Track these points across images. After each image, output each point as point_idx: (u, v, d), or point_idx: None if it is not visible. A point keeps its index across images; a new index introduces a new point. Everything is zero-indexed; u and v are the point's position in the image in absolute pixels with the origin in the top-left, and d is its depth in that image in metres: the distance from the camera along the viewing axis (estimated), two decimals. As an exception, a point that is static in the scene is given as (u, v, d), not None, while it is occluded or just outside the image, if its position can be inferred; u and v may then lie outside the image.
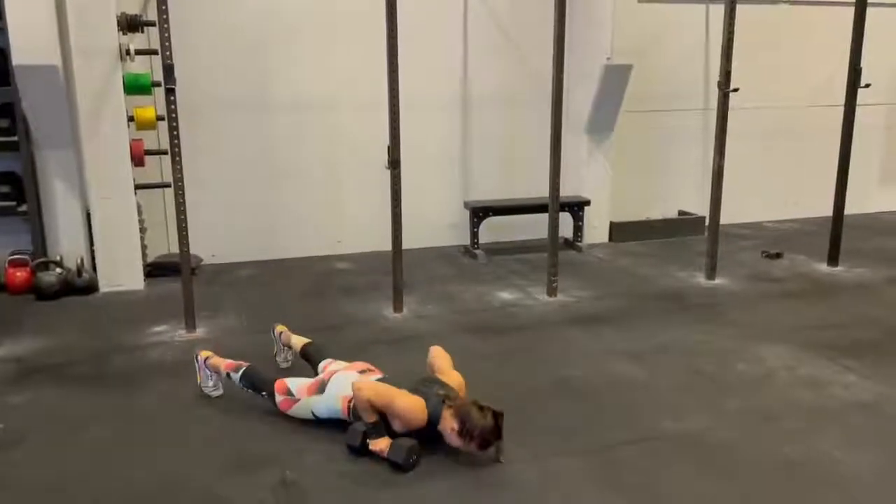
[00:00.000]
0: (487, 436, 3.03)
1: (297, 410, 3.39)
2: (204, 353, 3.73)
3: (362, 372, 3.43)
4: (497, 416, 3.06)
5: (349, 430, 3.19)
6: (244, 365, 3.59)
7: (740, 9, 5.34)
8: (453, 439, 3.07)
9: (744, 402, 3.64)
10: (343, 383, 3.32)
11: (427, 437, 3.13)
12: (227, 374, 3.60)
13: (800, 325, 4.73)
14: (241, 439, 3.30)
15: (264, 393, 3.47)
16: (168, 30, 4.28)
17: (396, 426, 3.13)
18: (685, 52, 7.20)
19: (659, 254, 6.62)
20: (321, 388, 3.36)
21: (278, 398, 3.42)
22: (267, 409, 3.54)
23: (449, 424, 3.07)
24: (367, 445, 3.10)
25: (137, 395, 3.78)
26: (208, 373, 3.68)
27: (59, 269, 5.38)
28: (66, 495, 2.91)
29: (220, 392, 3.68)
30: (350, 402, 3.24)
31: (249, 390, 3.53)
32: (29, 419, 3.51)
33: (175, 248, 5.08)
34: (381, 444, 3.07)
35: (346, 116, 6.33)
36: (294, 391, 3.40)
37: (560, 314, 5.00)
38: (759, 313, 5.00)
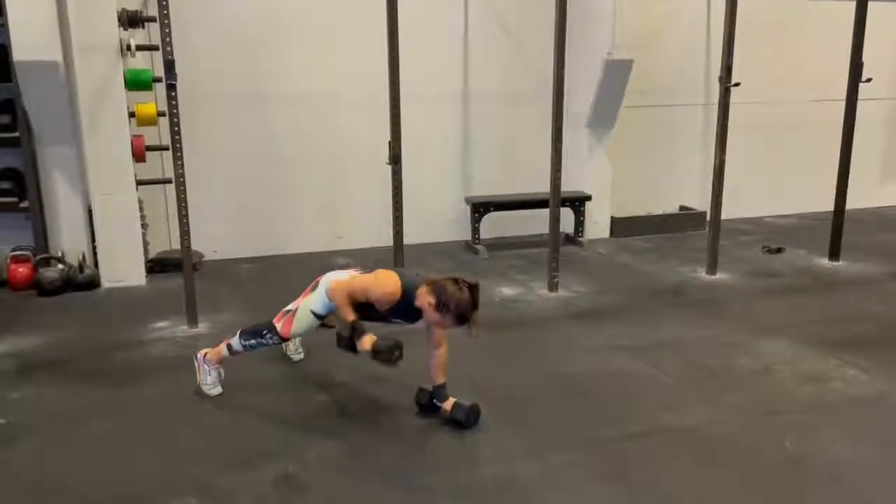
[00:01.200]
0: (464, 308, 3.10)
1: (297, 322, 3.45)
2: (202, 351, 3.74)
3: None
4: (472, 288, 3.13)
5: (337, 334, 3.35)
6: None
7: (741, 3, 5.33)
8: (431, 314, 3.16)
9: (745, 397, 3.65)
10: (333, 276, 3.46)
11: (407, 314, 3.27)
12: (228, 348, 3.61)
13: (801, 319, 4.73)
14: (243, 434, 3.31)
15: (266, 332, 3.50)
16: (169, 25, 4.28)
17: (380, 307, 3.26)
18: (686, 46, 7.19)
19: (660, 249, 6.62)
20: (314, 288, 3.49)
21: (279, 326, 3.47)
22: (269, 405, 3.55)
23: (426, 299, 3.14)
24: (354, 344, 3.21)
25: (139, 390, 3.79)
26: (207, 368, 3.67)
27: (60, 266, 5.38)
28: (67, 490, 2.92)
29: (219, 390, 3.68)
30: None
31: (253, 341, 3.55)
32: (30, 414, 3.52)
33: (176, 244, 5.09)
34: (367, 343, 3.16)
35: (346, 112, 6.33)
36: (290, 306, 3.50)
37: (561, 309, 5.01)
38: (760, 308, 5.00)
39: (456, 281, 3.14)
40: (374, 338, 3.17)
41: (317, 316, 3.46)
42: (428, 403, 3.46)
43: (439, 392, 3.40)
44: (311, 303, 3.46)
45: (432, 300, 3.12)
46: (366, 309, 3.28)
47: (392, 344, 3.14)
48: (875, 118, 7.76)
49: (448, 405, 3.38)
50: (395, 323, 3.40)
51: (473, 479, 2.96)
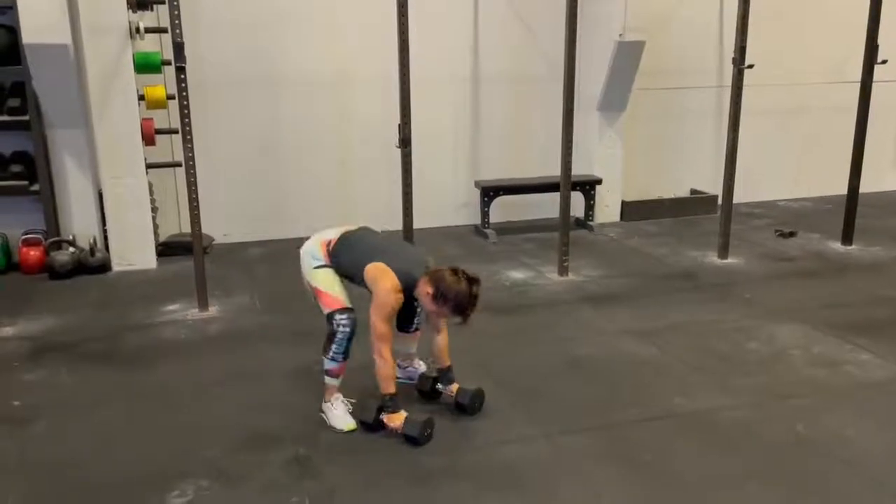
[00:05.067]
0: (461, 299, 3.03)
1: (326, 287, 3.19)
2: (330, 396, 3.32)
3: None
4: (472, 281, 3.07)
5: (362, 405, 3.21)
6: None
7: (756, -17, 5.27)
8: (428, 303, 3.10)
9: (756, 381, 3.63)
10: (308, 246, 3.29)
11: (412, 307, 3.31)
12: (327, 373, 3.24)
13: (813, 304, 4.70)
14: (254, 418, 3.32)
15: (330, 329, 3.17)
16: (178, 7, 4.26)
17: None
18: (699, 28, 7.11)
19: (671, 233, 6.58)
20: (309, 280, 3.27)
21: (326, 310, 3.18)
22: (280, 389, 3.57)
23: (424, 289, 3.09)
24: (381, 421, 3.11)
25: (150, 372, 3.80)
26: (331, 405, 3.27)
27: (72, 249, 5.40)
28: (79, 470, 2.94)
29: (350, 421, 3.22)
30: (327, 245, 3.24)
31: (334, 346, 3.15)
32: (43, 396, 3.55)
33: (186, 228, 5.09)
34: (395, 420, 3.08)
35: (356, 95, 6.30)
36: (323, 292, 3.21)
37: (571, 293, 4.99)
38: (773, 292, 4.97)
39: (455, 272, 3.08)
40: (405, 415, 3.09)
41: (322, 267, 3.22)
42: (430, 390, 3.43)
43: (445, 375, 3.38)
44: (312, 268, 3.22)
45: (430, 290, 3.06)
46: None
47: (423, 422, 3.07)
48: (890, 101, 7.65)
49: (453, 389, 3.35)
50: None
51: (484, 462, 2.96)
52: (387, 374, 3.09)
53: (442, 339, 3.36)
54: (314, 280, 3.23)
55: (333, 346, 3.16)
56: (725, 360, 3.88)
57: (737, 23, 5.28)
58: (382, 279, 3.07)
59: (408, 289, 3.12)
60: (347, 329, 3.14)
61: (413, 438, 3.04)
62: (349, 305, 3.19)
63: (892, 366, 3.78)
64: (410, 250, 3.47)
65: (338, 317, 3.14)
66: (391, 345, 3.10)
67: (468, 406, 3.30)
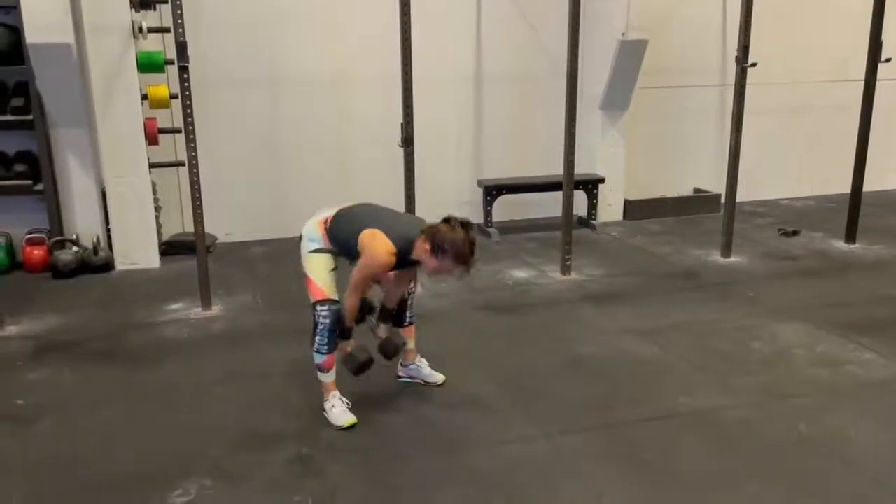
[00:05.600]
0: (459, 247, 3.01)
1: (316, 277, 3.21)
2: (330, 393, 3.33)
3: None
4: (466, 226, 3.06)
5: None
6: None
7: (759, -18, 5.25)
8: (428, 261, 3.08)
9: (758, 380, 3.63)
10: (307, 226, 3.35)
11: (404, 266, 3.22)
12: (319, 368, 3.29)
13: (816, 303, 4.69)
14: (256, 417, 3.33)
15: (314, 321, 3.22)
16: (181, 7, 4.26)
17: (392, 276, 3.35)
18: (702, 26, 7.09)
19: (674, 232, 6.57)
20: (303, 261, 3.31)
21: (313, 299, 3.21)
22: (282, 389, 3.57)
23: (422, 248, 3.07)
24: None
25: (153, 371, 3.81)
26: (330, 403, 3.28)
27: (75, 248, 5.41)
28: (82, 469, 2.95)
29: (350, 417, 3.24)
30: (324, 223, 3.28)
31: (317, 338, 3.21)
32: (46, 395, 3.56)
33: (189, 227, 5.10)
34: (344, 347, 3.23)
35: (358, 93, 6.30)
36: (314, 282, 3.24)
37: (574, 292, 4.99)
38: (776, 291, 4.96)
39: (448, 221, 3.08)
40: (351, 346, 3.24)
41: (320, 251, 3.24)
42: (359, 318, 3.35)
43: (384, 312, 3.45)
44: (312, 267, 3.23)
45: (427, 246, 3.04)
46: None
47: (361, 363, 3.23)
48: (894, 99, 7.62)
49: (381, 332, 3.43)
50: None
51: (486, 461, 2.96)
52: (347, 311, 3.19)
53: (406, 293, 3.46)
54: (306, 266, 3.27)
55: (317, 338, 3.21)
56: (728, 360, 3.87)
57: (740, 21, 5.27)
58: (377, 242, 3.08)
59: (405, 252, 3.11)
60: (327, 321, 3.18)
61: (351, 362, 3.23)
62: (333, 297, 3.21)
63: (895, 365, 3.77)
64: (407, 216, 3.54)
65: (318, 308, 3.18)
66: (360, 295, 3.19)
67: (387, 357, 3.42)
